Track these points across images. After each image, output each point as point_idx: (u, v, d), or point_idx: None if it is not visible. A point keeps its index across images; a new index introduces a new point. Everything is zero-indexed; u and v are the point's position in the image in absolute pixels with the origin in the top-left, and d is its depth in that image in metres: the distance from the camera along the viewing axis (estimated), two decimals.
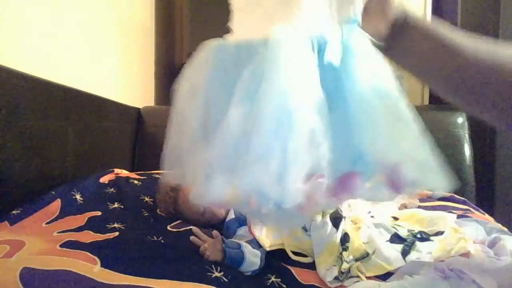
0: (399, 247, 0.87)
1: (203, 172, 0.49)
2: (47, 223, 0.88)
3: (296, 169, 0.45)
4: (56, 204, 0.94)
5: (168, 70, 2.36)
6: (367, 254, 0.85)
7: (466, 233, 0.90)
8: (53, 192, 0.97)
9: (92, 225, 0.89)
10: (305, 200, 0.47)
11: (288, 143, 0.44)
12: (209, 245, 0.83)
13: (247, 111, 0.46)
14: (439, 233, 0.90)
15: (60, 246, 0.73)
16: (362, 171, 0.49)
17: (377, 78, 0.49)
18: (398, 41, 0.57)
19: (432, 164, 0.48)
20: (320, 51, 0.49)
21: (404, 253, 0.85)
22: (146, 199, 1.17)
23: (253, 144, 0.44)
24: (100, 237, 0.82)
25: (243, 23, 0.57)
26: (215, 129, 0.48)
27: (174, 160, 0.57)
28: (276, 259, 0.87)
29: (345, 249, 0.85)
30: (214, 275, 0.70)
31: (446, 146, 1.66)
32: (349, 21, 0.52)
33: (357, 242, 0.87)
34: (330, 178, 0.48)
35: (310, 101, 0.46)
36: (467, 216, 1.10)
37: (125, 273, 0.66)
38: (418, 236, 0.90)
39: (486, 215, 1.18)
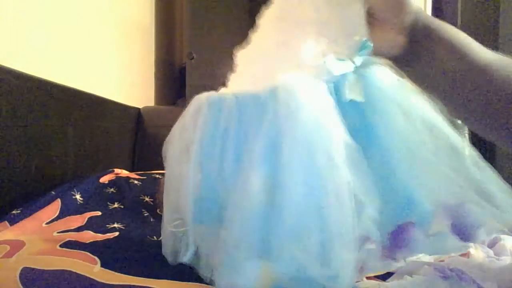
0: None
1: (225, 255, 0.42)
2: (47, 223, 0.88)
3: (343, 238, 0.37)
4: (56, 204, 0.94)
5: (168, 70, 2.36)
6: None
7: None
8: (53, 192, 0.97)
9: (92, 225, 0.89)
10: (358, 273, 0.40)
11: (327, 209, 0.37)
12: None
13: (268, 175, 0.39)
14: None
15: (60, 246, 0.73)
16: (417, 219, 0.42)
17: (413, 108, 0.43)
18: (417, 54, 0.49)
19: (503, 197, 0.41)
20: (338, 92, 0.43)
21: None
22: (146, 199, 1.17)
23: (284, 215, 0.38)
24: (100, 237, 0.82)
25: (241, 78, 0.52)
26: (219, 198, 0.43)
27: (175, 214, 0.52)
28: None
29: None
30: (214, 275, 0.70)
31: None
32: (359, 48, 0.46)
33: None
34: (381, 237, 0.40)
35: (340, 152, 0.39)
36: None
37: (125, 273, 0.65)
38: None
39: None
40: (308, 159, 0.39)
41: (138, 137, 1.79)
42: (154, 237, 0.87)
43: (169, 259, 0.58)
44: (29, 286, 0.59)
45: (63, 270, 0.63)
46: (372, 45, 0.46)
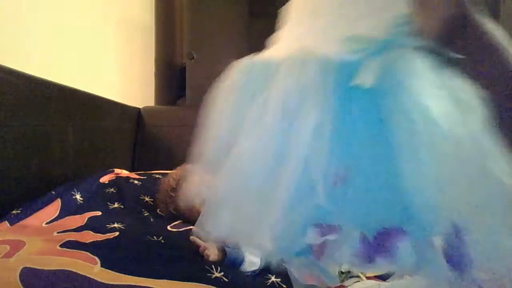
0: None
1: (213, 202, 0.46)
2: (47, 223, 0.88)
3: (293, 217, 0.39)
4: (56, 204, 0.94)
5: (168, 70, 2.36)
6: None
7: None
8: (53, 192, 0.97)
9: (92, 225, 0.89)
10: (316, 253, 0.41)
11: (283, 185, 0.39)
12: (209, 245, 0.82)
13: (252, 146, 0.42)
14: None
15: (60, 246, 0.73)
16: (412, 229, 0.37)
17: (438, 111, 0.37)
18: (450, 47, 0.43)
19: None
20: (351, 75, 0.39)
21: None
22: (146, 199, 1.17)
23: (254, 183, 0.41)
24: (100, 237, 0.82)
25: (293, 34, 0.51)
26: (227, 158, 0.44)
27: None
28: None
29: None
30: (214, 275, 0.70)
31: None
32: (398, 22, 0.41)
33: None
34: (365, 233, 0.38)
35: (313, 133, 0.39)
36: None
37: (125, 273, 0.65)
38: None
39: None
40: (280, 138, 0.41)
41: (138, 137, 1.79)
42: (154, 237, 0.88)
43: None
44: (29, 286, 0.59)
45: (63, 270, 0.63)
46: (410, 23, 0.41)
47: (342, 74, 0.40)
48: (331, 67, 0.41)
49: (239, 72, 0.49)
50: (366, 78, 0.38)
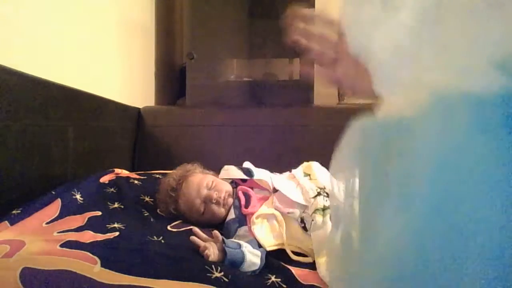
0: None
1: None
2: (47, 223, 0.88)
3: None
4: (56, 204, 0.94)
5: (168, 70, 2.36)
6: None
7: None
8: (53, 192, 0.97)
9: (92, 225, 0.89)
10: None
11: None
12: (209, 245, 0.82)
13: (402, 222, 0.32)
14: None
15: (60, 246, 0.73)
16: None
17: None
18: None
19: None
20: None
21: None
22: (146, 199, 1.17)
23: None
24: (100, 237, 0.82)
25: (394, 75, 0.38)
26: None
27: None
28: (276, 259, 0.87)
29: None
30: (214, 275, 0.70)
31: None
32: None
33: None
34: None
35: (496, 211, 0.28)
36: None
37: (125, 273, 0.65)
38: None
39: None
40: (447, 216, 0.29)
41: (138, 137, 1.79)
42: (154, 237, 0.88)
43: None
44: (29, 286, 0.59)
45: (63, 270, 0.63)
46: None
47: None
48: (495, 109, 0.28)
49: (355, 133, 0.39)
50: None
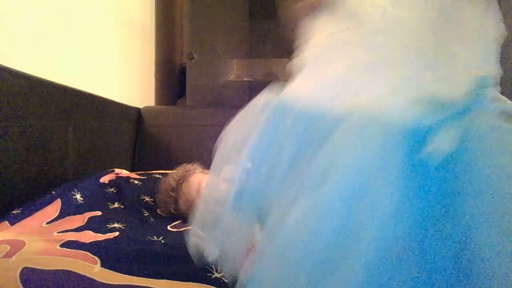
0: None
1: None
2: (47, 223, 0.88)
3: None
4: (56, 204, 0.94)
5: (168, 70, 2.36)
6: None
7: None
8: (53, 192, 0.97)
9: (92, 225, 0.89)
10: None
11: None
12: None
13: (311, 205, 0.38)
14: None
15: (60, 246, 0.73)
16: None
17: None
18: None
19: None
20: (424, 142, 0.35)
21: None
22: (146, 199, 1.17)
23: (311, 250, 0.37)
24: (100, 237, 0.82)
25: (318, 75, 0.46)
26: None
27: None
28: None
29: None
30: (214, 275, 0.70)
31: None
32: (482, 83, 0.37)
33: None
34: None
35: (385, 212, 0.35)
36: None
37: (125, 273, 0.65)
38: None
39: None
40: (346, 209, 0.36)
41: (138, 137, 1.79)
42: (154, 237, 0.88)
43: (195, 261, 0.60)
44: (29, 286, 0.59)
45: (63, 270, 0.63)
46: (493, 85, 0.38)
47: (413, 142, 0.36)
48: (399, 137, 0.36)
49: (272, 111, 0.46)
50: (443, 145, 0.34)
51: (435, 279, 0.34)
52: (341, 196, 0.37)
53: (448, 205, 0.34)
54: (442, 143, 0.34)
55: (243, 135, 0.48)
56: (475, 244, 0.33)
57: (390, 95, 0.40)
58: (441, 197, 0.35)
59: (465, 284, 0.33)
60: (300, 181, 0.40)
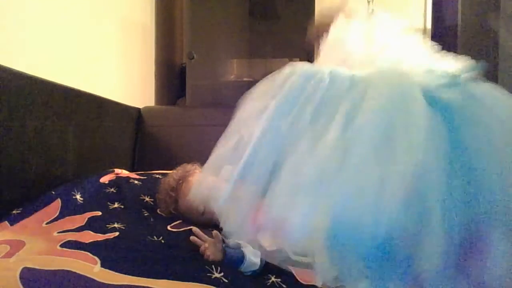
0: None
1: (286, 191, 0.46)
2: (47, 223, 0.88)
3: (392, 202, 0.41)
4: (56, 204, 0.94)
5: (168, 70, 2.36)
6: None
7: None
8: (53, 192, 0.97)
9: (92, 225, 0.89)
10: None
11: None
12: (209, 245, 0.82)
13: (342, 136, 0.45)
14: None
15: (60, 246, 0.73)
16: (502, 228, 0.42)
17: None
18: None
19: None
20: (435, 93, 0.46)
21: None
22: (146, 199, 1.17)
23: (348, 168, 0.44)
24: (100, 237, 0.82)
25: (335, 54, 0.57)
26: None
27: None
28: None
29: None
30: (214, 275, 0.70)
31: None
32: (465, 68, 0.51)
33: None
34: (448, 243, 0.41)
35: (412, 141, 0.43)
36: None
37: (125, 273, 0.65)
38: None
39: None
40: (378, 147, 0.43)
41: (138, 137, 1.79)
42: (154, 237, 0.87)
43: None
44: (29, 286, 0.59)
45: (63, 270, 0.63)
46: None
47: (428, 93, 0.45)
48: (417, 88, 0.45)
49: (297, 75, 0.52)
50: (451, 94, 0.44)
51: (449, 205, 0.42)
52: (370, 134, 0.44)
53: (453, 138, 0.44)
54: (450, 94, 0.45)
55: (267, 100, 0.53)
56: (479, 170, 0.42)
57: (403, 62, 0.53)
58: (453, 135, 0.44)
59: (473, 208, 0.41)
60: (319, 132, 0.46)
